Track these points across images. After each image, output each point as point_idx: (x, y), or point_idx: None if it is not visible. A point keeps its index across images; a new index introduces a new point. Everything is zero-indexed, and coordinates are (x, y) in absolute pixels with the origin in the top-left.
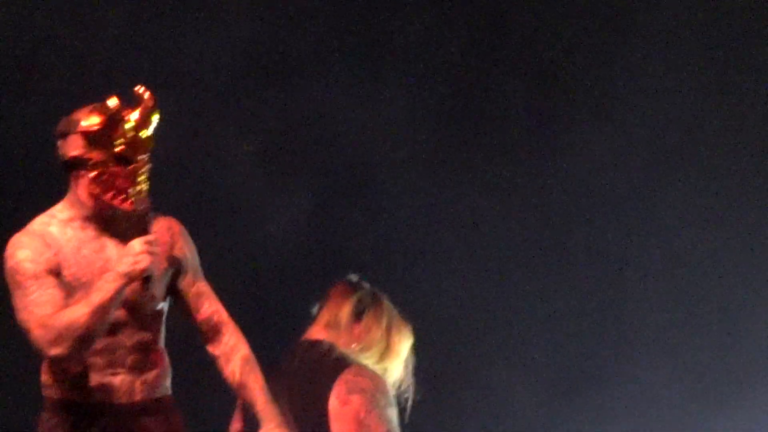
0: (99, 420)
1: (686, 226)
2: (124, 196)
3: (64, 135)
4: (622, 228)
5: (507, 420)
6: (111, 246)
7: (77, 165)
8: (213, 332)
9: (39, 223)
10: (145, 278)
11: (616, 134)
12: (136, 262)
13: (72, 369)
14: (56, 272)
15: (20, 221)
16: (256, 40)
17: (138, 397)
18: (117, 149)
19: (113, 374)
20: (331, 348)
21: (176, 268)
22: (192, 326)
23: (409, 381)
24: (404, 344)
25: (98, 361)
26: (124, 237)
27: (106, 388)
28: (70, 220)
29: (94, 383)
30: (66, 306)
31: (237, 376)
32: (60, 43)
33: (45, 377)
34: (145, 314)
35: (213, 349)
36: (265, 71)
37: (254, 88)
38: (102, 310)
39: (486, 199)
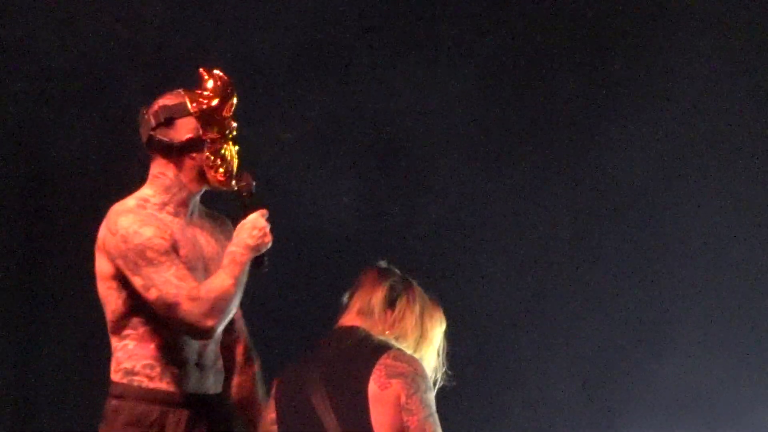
0: (186, 409)
1: (725, 224)
2: (230, 175)
3: (171, 120)
4: (657, 225)
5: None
6: (200, 235)
7: (191, 147)
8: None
9: (138, 206)
10: (263, 254)
11: (656, 130)
12: (264, 235)
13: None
14: (177, 251)
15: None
16: (308, 23)
17: (218, 389)
18: (231, 126)
19: (200, 367)
20: (367, 334)
21: None
22: None
23: (442, 367)
24: (437, 330)
25: (190, 350)
26: (210, 227)
27: (195, 380)
28: (164, 204)
29: (186, 375)
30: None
31: (244, 386)
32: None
33: (129, 365)
34: None
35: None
36: (318, 55)
37: (306, 73)
38: (241, 281)
39: (529, 187)
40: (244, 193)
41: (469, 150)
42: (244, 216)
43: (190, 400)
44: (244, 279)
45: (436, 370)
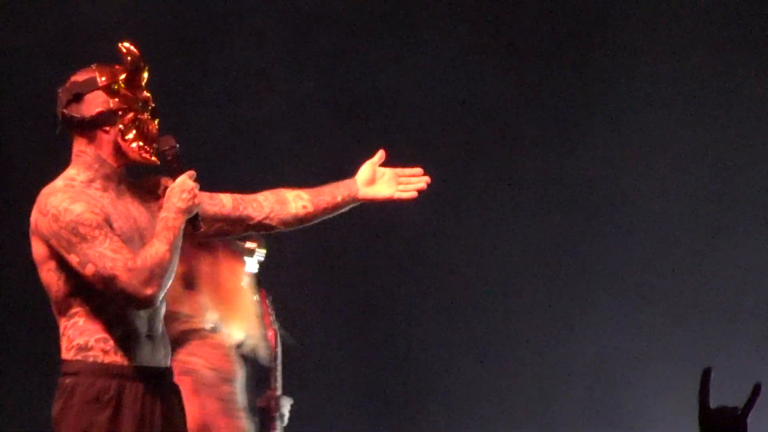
0: (143, 383)
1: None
2: (150, 146)
3: (80, 96)
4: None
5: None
6: (132, 207)
7: (103, 121)
8: (249, 206)
9: (62, 186)
10: (195, 215)
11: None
12: (193, 196)
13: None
14: (110, 224)
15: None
16: None
17: (167, 362)
18: (143, 94)
19: (151, 339)
20: None
21: None
22: (236, 233)
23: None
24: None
25: (141, 324)
26: (140, 198)
27: (148, 352)
28: (90, 181)
29: (140, 346)
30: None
31: (303, 201)
32: None
33: (82, 341)
34: None
35: (261, 213)
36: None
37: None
38: (176, 246)
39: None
40: (169, 157)
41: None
42: (173, 179)
43: (145, 373)
44: (179, 243)
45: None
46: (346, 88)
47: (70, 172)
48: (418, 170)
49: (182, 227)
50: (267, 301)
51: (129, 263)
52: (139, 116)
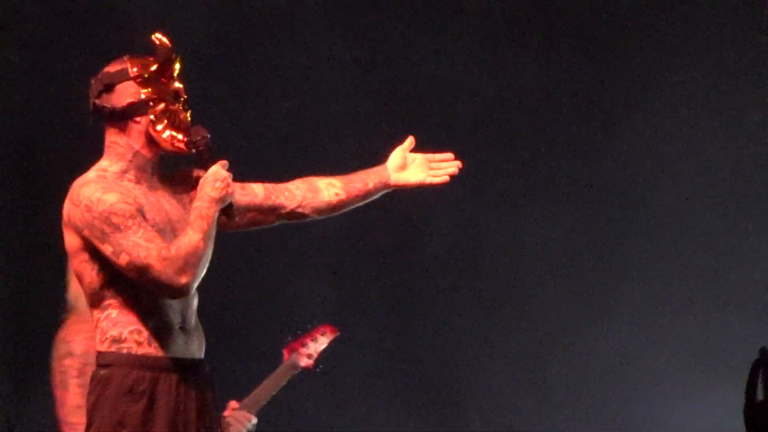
0: (176, 374)
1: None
2: (183, 136)
3: (111, 87)
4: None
5: None
6: (164, 199)
7: (134, 111)
8: (281, 195)
9: (95, 177)
10: (229, 204)
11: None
12: (226, 185)
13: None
14: (143, 214)
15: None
16: None
17: (201, 354)
18: (175, 85)
19: (184, 331)
20: None
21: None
22: (269, 222)
23: None
24: None
25: (175, 315)
26: (172, 190)
27: (181, 344)
28: (123, 172)
29: (173, 339)
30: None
31: (335, 188)
32: None
33: (116, 333)
34: None
35: (294, 201)
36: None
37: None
38: (210, 235)
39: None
40: (201, 148)
41: None
42: (205, 170)
43: (179, 364)
44: (212, 232)
45: None
46: (382, 77)
47: (103, 163)
48: (449, 155)
49: (216, 216)
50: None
51: (163, 252)
52: (170, 107)
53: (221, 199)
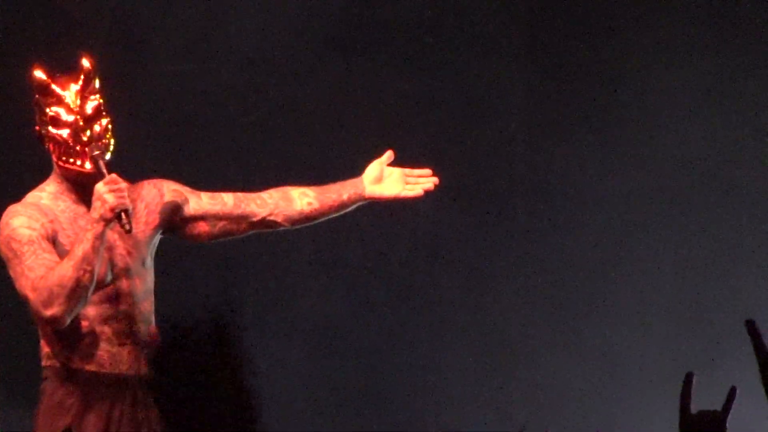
0: (108, 389)
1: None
2: (80, 158)
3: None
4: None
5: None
6: None
7: (39, 137)
8: (252, 203)
9: (31, 197)
10: (120, 213)
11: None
12: (103, 203)
13: (83, 336)
14: (52, 239)
15: None
16: None
17: (143, 370)
18: (49, 116)
19: (121, 344)
20: None
21: (176, 204)
22: (242, 231)
23: None
24: None
25: (106, 330)
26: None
27: (115, 358)
28: (59, 192)
29: (103, 352)
30: None
31: (308, 198)
32: None
33: (49, 348)
34: (144, 281)
35: (265, 209)
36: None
37: None
38: (86, 260)
39: None
40: (92, 165)
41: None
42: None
43: (111, 380)
44: (93, 254)
45: None
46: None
47: (46, 182)
48: (427, 171)
49: (101, 234)
50: None
51: (35, 282)
52: (49, 133)
53: (101, 217)
